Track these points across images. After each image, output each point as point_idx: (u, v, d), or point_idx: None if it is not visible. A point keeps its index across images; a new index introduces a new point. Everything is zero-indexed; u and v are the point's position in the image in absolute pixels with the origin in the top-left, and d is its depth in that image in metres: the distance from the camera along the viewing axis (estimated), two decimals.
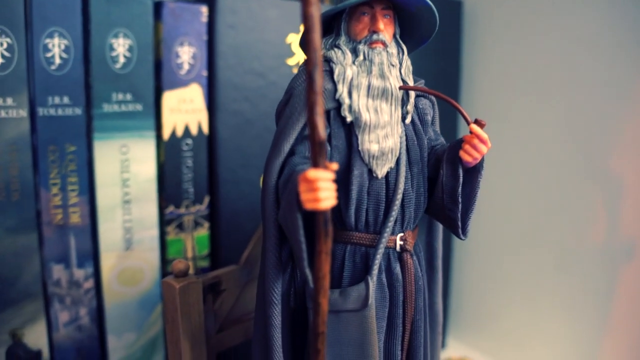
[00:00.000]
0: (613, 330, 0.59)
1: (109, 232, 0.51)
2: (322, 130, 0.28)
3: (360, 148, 0.35)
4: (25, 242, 0.48)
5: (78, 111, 0.49)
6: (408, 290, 0.37)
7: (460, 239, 0.39)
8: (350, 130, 0.36)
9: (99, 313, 0.53)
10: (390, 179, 0.36)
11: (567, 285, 0.62)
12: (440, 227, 0.44)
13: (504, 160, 0.66)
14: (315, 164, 0.29)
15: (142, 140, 0.52)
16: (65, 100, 0.48)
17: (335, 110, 0.36)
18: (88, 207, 0.51)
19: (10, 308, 0.48)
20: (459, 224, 0.38)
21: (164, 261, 0.55)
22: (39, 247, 0.49)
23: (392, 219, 0.36)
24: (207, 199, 0.55)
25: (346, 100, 0.35)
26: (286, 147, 0.35)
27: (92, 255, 0.51)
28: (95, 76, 0.49)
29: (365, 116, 0.35)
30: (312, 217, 0.31)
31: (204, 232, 0.56)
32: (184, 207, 0.54)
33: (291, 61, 0.57)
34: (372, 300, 0.35)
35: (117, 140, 0.51)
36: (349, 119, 0.36)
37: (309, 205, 0.29)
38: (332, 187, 0.30)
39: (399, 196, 0.36)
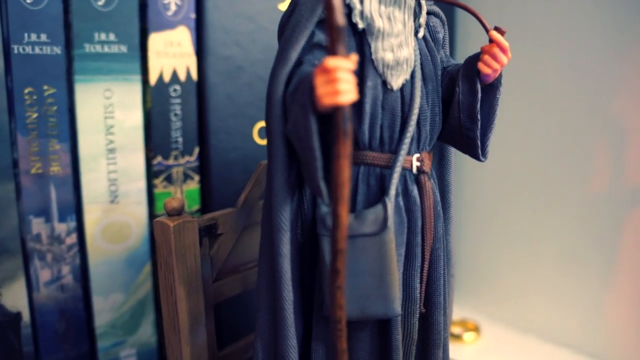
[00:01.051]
0: (617, 281, 0.57)
1: (93, 183, 0.48)
2: (340, 13, 0.25)
3: (373, 57, 0.32)
4: (1, 193, 0.44)
5: (57, 50, 0.45)
6: (427, 216, 0.34)
7: (480, 160, 0.36)
8: (361, 39, 0.33)
9: (83, 272, 0.49)
10: (405, 93, 0.34)
11: (569, 238, 0.60)
12: (452, 161, 0.41)
13: (504, 109, 0.63)
14: (333, 52, 0.26)
15: (127, 84, 0.48)
16: (43, 38, 0.45)
17: (345, 17, 0.33)
18: (69, 156, 0.47)
19: None
20: (478, 143, 0.35)
21: (152, 216, 0.51)
22: (16, 199, 0.45)
23: (408, 135, 0.33)
24: (196, 150, 0.52)
25: (357, 6, 0.33)
26: (293, 55, 0.32)
27: (75, 208, 0.48)
28: (75, 13, 0.46)
29: (379, 22, 0.32)
30: (326, 125, 0.28)
31: (194, 185, 0.52)
32: (173, 158, 0.51)
33: (282, 6, 0.54)
34: (391, 222, 0.32)
35: (100, 84, 0.47)
36: (360, 25, 0.33)
37: (326, 100, 0.26)
38: (353, 79, 0.27)
39: (416, 111, 0.33)
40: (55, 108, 0.46)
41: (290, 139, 0.31)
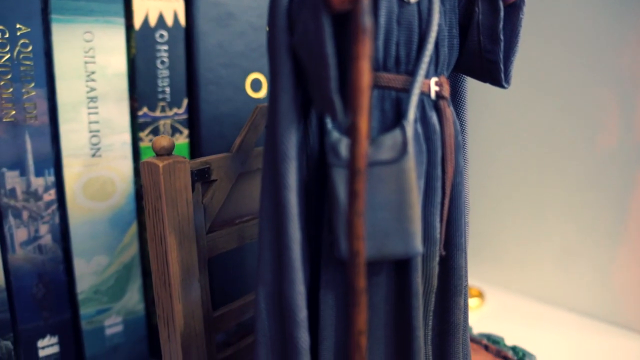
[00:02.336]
0: (626, 242, 0.54)
1: (73, 134, 0.44)
2: None
3: None
4: None
5: None
6: (447, 145, 0.31)
7: (503, 87, 0.33)
8: None
9: (62, 232, 0.45)
10: (423, 8, 0.30)
11: (578, 197, 0.57)
12: (466, 97, 0.37)
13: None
14: None
15: (109, 27, 0.44)
16: None
17: None
18: (47, 103, 0.43)
19: None
20: (501, 67, 0.32)
21: (138, 173, 0.47)
22: None
23: (427, 53, 0.30)
24: (185, 102, 0.48)
25: None
26: None
27: (53, 161, 0.44)
28: None
29: None
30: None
31: (182, 140, 0.49)
32: (159, 109, 0.47)
33: None
34: (411, 147, 0.28)
35: (80, 25, 0.43)
36: None
37: None
38: None
39: (435, 27, 0.30)
40: (30, 49, 0.41)
41: (297, 52, 0.28)
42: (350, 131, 0.24)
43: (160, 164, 0.34)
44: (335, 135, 0.29)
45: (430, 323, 0.33)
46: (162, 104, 0.47)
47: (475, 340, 0.48)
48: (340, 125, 0.30)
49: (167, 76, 0.47)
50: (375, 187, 0.29)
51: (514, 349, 0.46)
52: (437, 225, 0.31)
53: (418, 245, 0.29)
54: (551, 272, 0.60)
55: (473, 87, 0.62)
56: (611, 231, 0.55)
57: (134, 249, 0.48)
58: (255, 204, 0.41)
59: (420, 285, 0.31)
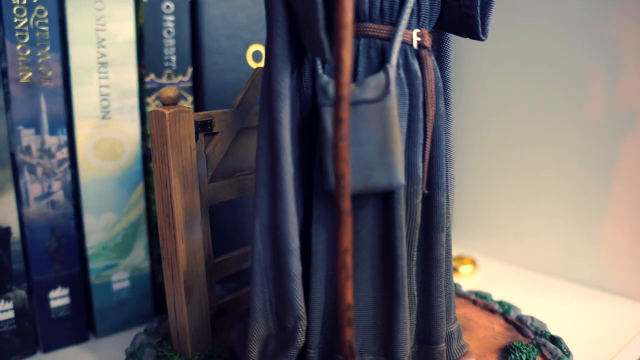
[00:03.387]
0: (615, 206, 0.57)
1: (84, 97, 0.47)
2: None
3: None
4: None
5: None
6: (428, 90, 0.34)
7: (481, 39, 0.36)
8: None
9: (74, 188, 0.48)
10: None
11: (566, 167, 0.59)
12: (451, 57, 0.40)
13: (500, 39, 0.63)
14: None
15: None
16: None
17: None
18: (60, 67, 0.46)
19: None
20: (478, 20, 0.35)
21: (145, 136, 0.50)
22: (5, 108, 0.44)
23: (409, 5, 0.33)
24: (190, 70, 0.51)
25: None
26: None
27: (66, 122, 0.46)
28: None
29: None
30: None
31: (187, 106, 0.51)
32: (166, 76, 0.50)
33: None
34: (393, 87, 0.31)
35: None
36: None
37: None
38: None
39: None
40: (45, 15, 0.45)
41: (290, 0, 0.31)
42: (335, 61, 0.27)
43: (167, 112, 0.37)
44: (325, 78, 0.32)
45: (415, 258, 0.36)
46: (168, 71, 0.50)
47: (464, 295, 0.51)
48: (330, 71, 0.33)
49: (173, 45, 0.50)
50: (360, 124, 0.31)
51: (500, 302, 0.49)
52: (420, 164, 0.34)
53: (400, 177, 0.32)
54: (541, 241, 0.62)
55: (466, 61, 0.65)
56: (599, 199, 0.58)
57: (140, 208, 0.50)
58: (254, 160, 0.44)
59: (403, 217, 0.33)
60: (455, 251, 0.66)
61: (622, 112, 0.55)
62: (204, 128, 0.39)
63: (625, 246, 0.57)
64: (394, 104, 0.31)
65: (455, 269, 0.61)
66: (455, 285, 0.53)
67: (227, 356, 0.40)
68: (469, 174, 0.68)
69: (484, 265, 0.64)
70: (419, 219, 0.35)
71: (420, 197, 0.35)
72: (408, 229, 0.35)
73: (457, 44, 0.64)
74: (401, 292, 0.34)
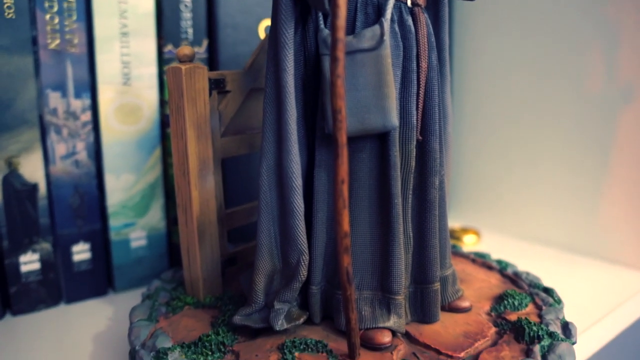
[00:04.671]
0: (613, 178, 0.59)
1: (107, 64, 0.50)
2: None
3: None
4: (20, 65, 0.47)
5: None
6: (421, 44, 0.37)
7: None
8: None
9: (96, 149, 0.51)
10: None
11: (566, 141, 0.62)
12: (446, 20, 0.43)
13: (500, 21, 0.66)
14: None
15: None
16: None
17: None
18: (85, 35, 0.49)
19: (6, 133, 0.47)
20: None
21: (163, 103, 0.53)
22: (34, 72, 0.48)
23: None
24: (205, 42, 0.55)
25: None
26: None
27: (90, 86, 0.50)
28: None
29: None
30: None
31: None
32: None
33: None
34: (387, 37, 0.34)
35: None
36: None
37: None
38: None
39: None
40: None
41: None
42: (331, 7, 0.30)
43: (183, 67, 0.40)
44: (326, 31, 0.35)
45: (410, 201, 0.38)
46: (184, 42, 0.53)
47: (463, 255, 0.53)
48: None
49: (190, 18, 0.53)
50: (357, 71, 0.34)
51: (498, 261, 0.51)
52: (414, 112, 0.37)
53: (394, 119, 0.35)
54: (542, 214, 0.65)
55: (468, 39, 0.68)
56: (597, 171, 0.60)
57: (157, 171, 0.54)
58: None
59: (397, 158, 0.36)
60: (459, 223, 0.68)
61: (620, 86, 0.57)
62: (217, 85, 0.43)
63: (623, 216, 0.59)
64: (388, 53, 0.34)
65: (459, 239, 0.63)
66: (456, 246, 0.56)
67: (237, 300, 0.43)
68: (472, 151, 0.71)
69: (487, 237, 0.67)
70: (413, 164, 0.38)
71: (414, 142, 0.37)
72: (403, 173, 0.38)
73: (459, 23, 0.67)
74: (396, 229, 0.37)
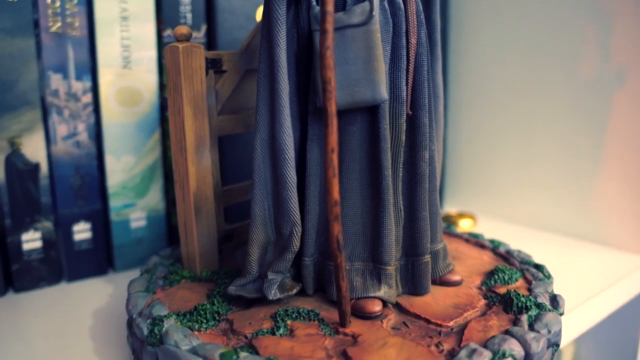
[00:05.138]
0: (607, 161, 0.60)
1: (107, 47, 0.51)
2: None
3: None
4: (22, 47, 0.48)
5: None
6: (410, 20, 0.38)
7: None
8: None
9: (97, 130, 0.52)
10: None
11: (561, 125, 0.63)
12: (437, 2, 0.44)
13: (497, 5, 0.67)
14: None
15: None
16: None
17: None
18: (86, 19, 0.50)
19: (9, 114, 0.48)
20: None
21: (162, 86, 0.55)
22: (36, 54, 0.49)
23: None
24: (204, 27, 0.56)
25: None
26: None
27: (90, 68, 0.51)
28: None
29: None
30: None
31: None
32: None
33: None
34: (376, 13, 0.35)
35: None
36: None
37: None
38: None
39: None
40: None
41: None
42: None
43: (180, 46, 0.41)
44: (317, 8, 0.36)
45: (401, 175, 0.39)
46: None
47: (457, 235, 0.54)
48: None
49: (189, 3, 0.54)
50: (347, 45, 0.36)
51: (492, 240, 0.52)
52: (404, 87, 0.38)
53: (383, 92, 0.36)
54: (537, 198, 0.66)
55: (464, 26, 0.69)
56: (592, 155, 0.61)
57: (157, 153, 0.55)
58: None
59: (387, 131, 0.37)
60: (456, 209, 0.69)
61: (614, 69, 0.58)
62: (213, 65, 0.44)
63: (617, 200, 0.60)
64: (377, 28, 0.35)
65: (455, 224, 0.64)
66: (450, 226, 0.56)
67: (233, 275, 0.44)
68: (468, 136, 0.72)
69: (483, 221, 0.67)
70: (403, 138, 0.39)
71: (404, 117, 0.38)
72: (393, 147, 0.39)
73: (455, 7, 0.68)
74: (386, 200, 0.37)
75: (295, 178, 0.38)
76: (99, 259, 0.54)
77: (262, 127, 0.38)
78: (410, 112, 0.39)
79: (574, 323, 0.47)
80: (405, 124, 0.39)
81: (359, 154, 0.38)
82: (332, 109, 0.33)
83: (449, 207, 0.73)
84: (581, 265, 0.55)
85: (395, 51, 0.38)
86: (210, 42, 0.56)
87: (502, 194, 0.69)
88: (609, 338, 0.62)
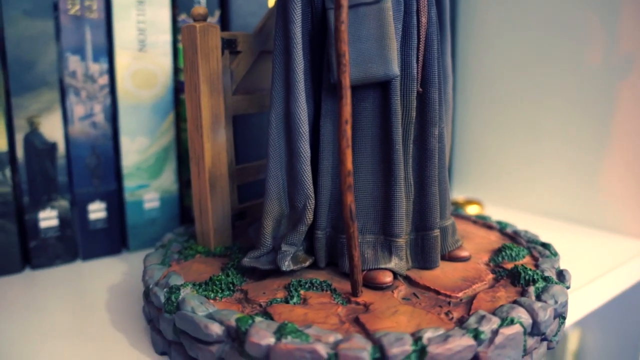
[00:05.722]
0: (613, 149, 0.61)
1: (124, 30, 0.52)
2: None
3: None
4: (42, 28, 0.49)
5: None
6: (421, 0, 0.39)
7: None
8: None
9: (113, 111, 0.54)
10: None
11: (567, 113, 0.64)
12: None
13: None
14: None
15: None
16: None
17: None
18: (104, 2, 0.52)
19: (28, 93, 0.49)
20: None
21: (177, 70, 0.56)
22: (55, 36, 0.50)
23: None
24: (218, 13, 0.57)
25: None
26: None
27: (107, 51, 0.52)
28: None
29: None
30: None
31: None
32: None
33: None
34: None
35: None
36: None
37: None
38: None
39: None
40: None
41: None
42: None
43: (197, 25, 0.42)
44: None
45: (411, 151, 0.40)
46: None
47: (465, 217, 0.55)
48: None
49: None
50: (361, 23, 0.37)
51: (499, 221, 0.53)
52: (414, 64, 0.39)
53: (394, 68, 0.37)
54: (543, 186, 0.66)
55: (473, 15, 0.70)
56: (597, 144, 0.62)
57: (171, 135, 0.56)
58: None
59: (398, 106, 0.38)
60: (463, 196, 0.70)
61: (620, 58, 0.59)
62: (229, 45, 0.45)
63: (622, 187, 0.60)
64: (390, 6, 0.37)
65: (463, 210, 0.65)
66: (458, 209, 0.57)
67: (247, 250, 0.45)
68: (477, 126, 0.72)
69: (490, 208, 0.68)
70: (414, 114, 0.40)
71: (415, 94, 0.39)
72: (404, 123, 0.40)
73: (465, 3, 0.69)
74: (397, 174, 0.39)
75: (309, 152, 0.39)
76: (113, 239, 0.55)
77: (277, 102, 0.39)
78: (420, 89, 0.40)
79: (580, 302, 0.47)
80: (415, 101, 0.40)
81: (371, 130, 0.39)
82: (346, 81, 0.34)
83: (457, 194, 0.74)
84: (587, 249, 0.56)
85: (406, 29, 0.39)
86: (224, 27, 0.57)
87: (509, 182, 0.70)
88: (614, 323, 0.63)
